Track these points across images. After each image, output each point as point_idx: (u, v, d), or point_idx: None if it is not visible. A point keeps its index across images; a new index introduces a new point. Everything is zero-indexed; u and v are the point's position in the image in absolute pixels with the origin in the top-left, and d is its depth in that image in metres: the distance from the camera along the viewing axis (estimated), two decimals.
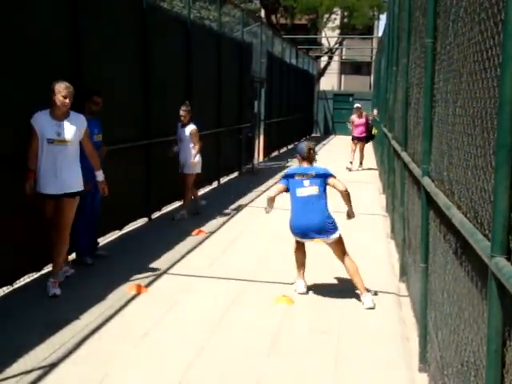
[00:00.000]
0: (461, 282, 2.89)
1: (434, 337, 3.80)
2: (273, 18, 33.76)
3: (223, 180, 13.17)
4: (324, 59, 38.43)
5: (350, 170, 15.56)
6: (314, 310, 5.37)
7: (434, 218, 3.93)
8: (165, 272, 6.39)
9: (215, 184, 12.55)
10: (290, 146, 22.78)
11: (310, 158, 5.72)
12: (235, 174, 14.22)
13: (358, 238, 8.08)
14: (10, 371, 4.01)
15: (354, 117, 16.19)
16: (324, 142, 26.03)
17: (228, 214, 9.60)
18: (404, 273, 6.13)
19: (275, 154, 19.79)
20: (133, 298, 5.55)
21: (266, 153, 18.39)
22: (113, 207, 7.35)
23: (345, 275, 6.42)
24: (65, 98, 5.41)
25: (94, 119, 6.44)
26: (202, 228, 8.42)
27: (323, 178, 5.56)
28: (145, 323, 4.94)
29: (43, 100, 5.45)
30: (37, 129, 5.41)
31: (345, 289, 5.92)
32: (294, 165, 16.71)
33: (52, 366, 4.12)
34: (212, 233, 8.24)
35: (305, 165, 5.71)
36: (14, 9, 5.44)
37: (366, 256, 7.22)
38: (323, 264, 6.81)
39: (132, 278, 6.06)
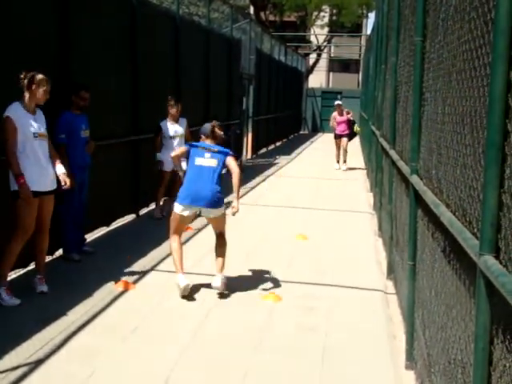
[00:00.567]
0: (449, 280, 2.90)
1: (421, 334, 3.82)
2: (262, 14, 33.71)
3: None
4: (313, 56, 38.50)
5: (339, 169, 15.50)
6: (302, 308, 5.37)
7: (422, 216, 3.94)
8: (152, 269, 6.37)
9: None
10: (278, 144, 22.80)
11: (214, 136, 5.82)
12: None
13: (345, 236, 8.11)
14: None
15: (335, 114, 15.89)
16: (312, 140, 26.08)
17: None
18: (391, 270, 6.15)
19: (263, 150, 19.79)
20: (120, 294, 5.53)
21: (255, 150, 18.39)
22: (100, 203, 7.32)
23: (332, 273, 6.44)
24: (46, 92, 5.19)
25: (81, 115, 6.40)
26: (190, 225, 8.38)
27: (224, 155, 5.72)
28: (132, 319, 4.93)
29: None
30: (17, 123, 5.02)
31: (332, 287, 5.93)
32: (282, 161, 16.76)
33: (39, 362, 4.09)
34: (199, 230, 8.22)
35: (208, 142, 5.81)
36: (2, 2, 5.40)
37: (353, 253, 7.25)
38: (310, 262, 6.83)
39: (119, 275, 6.03)
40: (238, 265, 6.59)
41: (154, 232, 7.93)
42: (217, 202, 5.63)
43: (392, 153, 6.02)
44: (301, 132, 31.04)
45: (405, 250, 4.65)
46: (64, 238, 6.45)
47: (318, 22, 35.47)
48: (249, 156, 17.32)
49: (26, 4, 5.76)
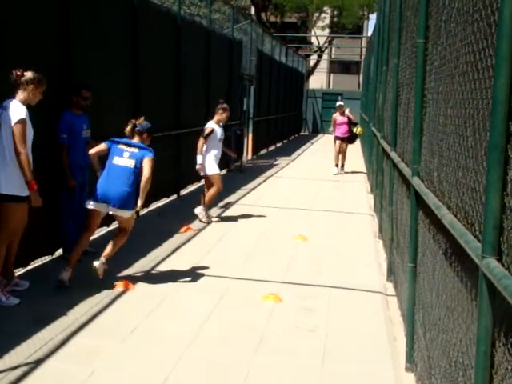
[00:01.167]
0: (450, 282, 2.90)
1: (421, 336, 3.82)
2: (263, 15, 33.76)
3: None
4: (313, 58, 38.52)
5: (337, 174, 14.85)
6: (302, 309, 5.37)
7: (423, 218, 3.93)
8: (152, 269, 6.37)
9: (202, 182, 12.49)
10: (278, 145, 22.79)
11: (141, 136, 5.82)
12: (223, 172, 14.19)
13: (345, 237, 8.10)
14: None
15: (336, 115, 15.24)
16: (312, 141, 26.08)
17: (216, 212, 9.57)
18: (391, 272, 6.14)
19: (264, 151, 19.78)
20: (120, 294, 5.52)
21: (255, 151, 18.38)
22: None
23: (332, 274, 6.44)
24: (42, 94, 5.07)
25: (82, 115, 6.40)
26: (191, 225, 8.39)
27: (143, 155, 5.68)
28: (132, 320, 4.92)
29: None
30: (28, 126, 4.87)
31: (332, 288, 5.93)
32: (283, 163, 16.74)
33: (38, 362, 4.08)
34: (200, 230, 8.22)
35: (135, 140, 5.81)
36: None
37: (353, 255, 7.24)
38: (311, 263, 6.83)
39: (119, 275, 6.02)
40: (238, 265, 6.59)
41: (154, 232, 7.93)
42: (124, 204, 5.62)
43: (393, 155, 6.02)
44: (301, 133, 31.04)
45: (405, 251, 4.65)
46: (64, 238, 6.44)
47: (319, 24, 35.53)
48: (249, 157, 17.30)
49: (26, 4, 5.76)
